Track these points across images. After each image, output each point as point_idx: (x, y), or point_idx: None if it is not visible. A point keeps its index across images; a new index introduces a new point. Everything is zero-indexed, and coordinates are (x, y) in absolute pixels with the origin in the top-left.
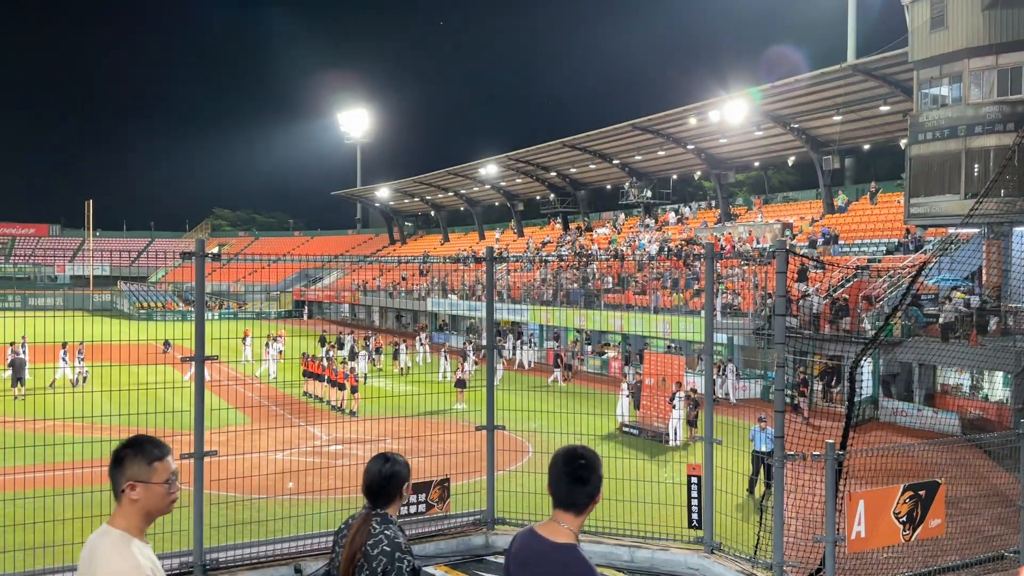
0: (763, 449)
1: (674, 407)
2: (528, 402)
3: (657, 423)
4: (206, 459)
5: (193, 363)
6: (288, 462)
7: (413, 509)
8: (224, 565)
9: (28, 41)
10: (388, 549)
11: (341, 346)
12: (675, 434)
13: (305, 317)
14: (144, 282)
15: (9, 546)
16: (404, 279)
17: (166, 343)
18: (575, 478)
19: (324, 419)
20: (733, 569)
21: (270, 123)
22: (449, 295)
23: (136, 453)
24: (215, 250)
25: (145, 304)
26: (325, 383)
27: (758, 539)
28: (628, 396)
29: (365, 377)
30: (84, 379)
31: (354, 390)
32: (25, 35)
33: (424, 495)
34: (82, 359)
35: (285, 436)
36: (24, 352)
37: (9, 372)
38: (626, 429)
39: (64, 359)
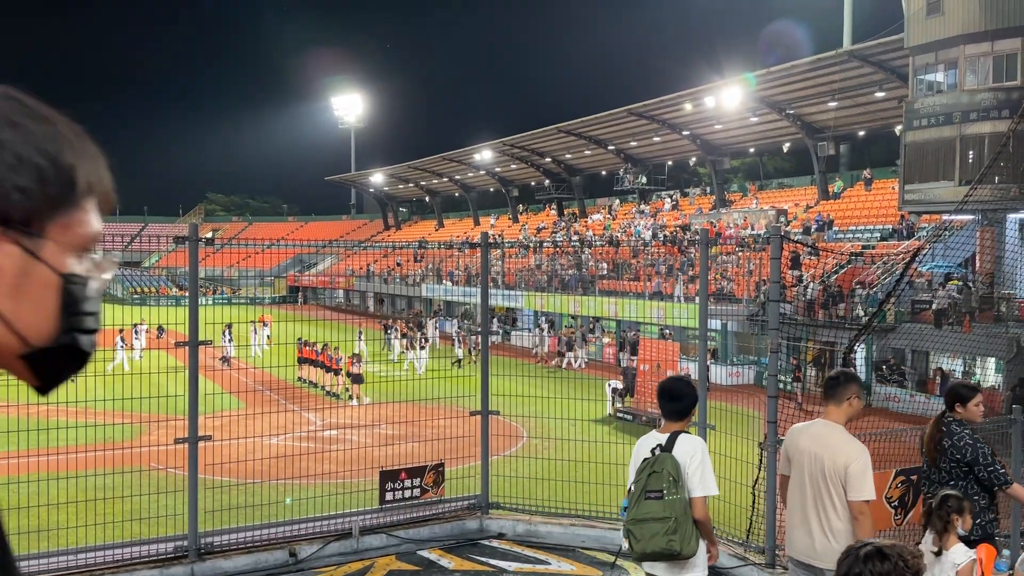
0: None
1: None
2: (523, 387)
3: (651, 408)
4: (200, 444)
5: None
6: (283, 447)
7: (408, 493)
8: (219, 549)
9: (18, 27)
10: (970, 442)
11: (420, 327)
12: None
13: (300, 303)
14: (137, 267)
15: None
16: (399, 265)
17: (160, 328)
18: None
19: (319, 405)
20: (725, 553)
21: (264, 108)
22: (444, 281)
23: (855, 379)
24: (209, 235)
25: (139, 289)
26: (320, 369)
27: (751, 523)
28: (612, 389)
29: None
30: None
31: (359, 379)
32: (16, 21)
33: (419, 480)
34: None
35: (279, 421)
36: None
37: None
38: (620, 414)
39: (121, 343)
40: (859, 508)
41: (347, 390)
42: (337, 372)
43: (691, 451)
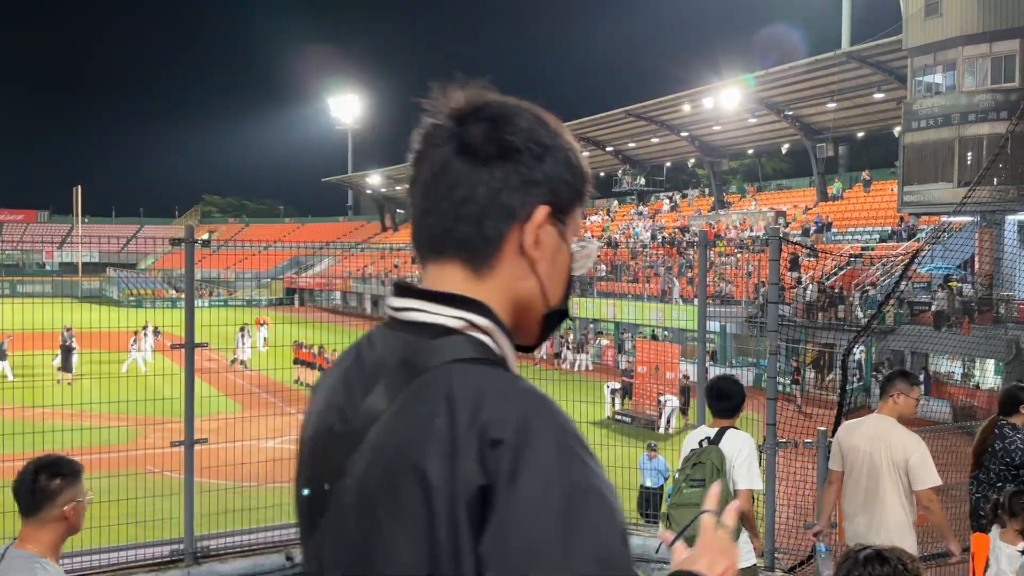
0: (648, 484)
1: (667, 402)
2: None
3: (650, 411)
4: (197, 447)
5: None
6: (280, 450)
7: None
8: (215, 552)
9: (15, 25)
10: (1022, 446)
11: None
12: (668, 423)
13: (296, 305)
14: (133, 269)
15: None
16: (397, 267)
17: (155, 330)
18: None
19: None
20: None
21: (260, 109)
22: None
23: (903, 376)
24: (205, 237)
25: (135, 291)
26: (316, 371)
27: None
28: (611, 391)
29: None
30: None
31: None
32: (12, 19)
33: None
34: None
35: (276, 424)
36: (72, 339)
37: (58, 358)
38: (619, 416)
39: (134, 345)
40: (928, 496)
41: None
42: None
43: (739, 446)
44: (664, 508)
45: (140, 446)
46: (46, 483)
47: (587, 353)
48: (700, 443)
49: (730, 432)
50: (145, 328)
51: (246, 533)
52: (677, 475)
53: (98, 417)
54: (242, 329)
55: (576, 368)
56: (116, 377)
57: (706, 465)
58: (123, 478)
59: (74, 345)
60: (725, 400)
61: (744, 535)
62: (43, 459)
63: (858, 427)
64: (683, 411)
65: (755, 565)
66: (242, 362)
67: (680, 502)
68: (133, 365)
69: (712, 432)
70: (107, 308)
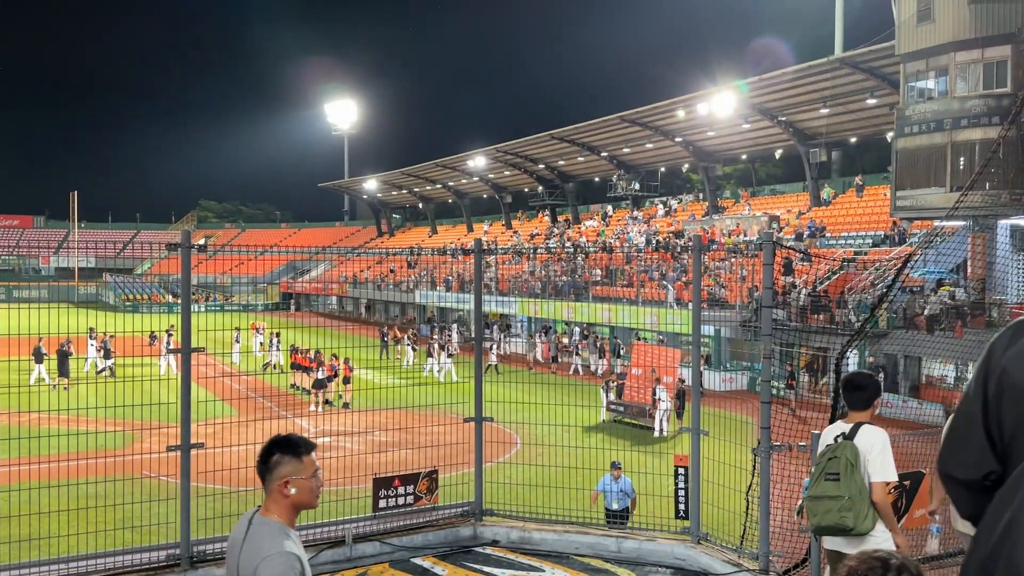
0: (615, 507)
1: (660, 400)
2: (516, 394)
3: (641, 401)
4: (193, 451)
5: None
6: None
7: (401, 500)
8: (211, 557)
9: (11, 30)
10: None
11: (442, 331)
12: (661, 426)
13: (292, 310)
14: (130, 274)
15: None
16: (392, 271)
17: (152, 335)
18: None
19: (311, 411)
20: (719, 559)
21: (257, 114)
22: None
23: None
24: (201, 242)
25: (131, 296)
26: (313, 375)
27: (744, 529)
28: (606, 391)
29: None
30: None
31: (346, 380)
32: (9, 23)
33: (412, 487)
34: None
35: (272, 428)
36: (68, 344)
37: (88, 362)
38: (613, 407)
39: (167, 348)
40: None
41: (340, 396)
42: (331, 379)
43: (872, 441)
44: (802, 499)
45: (136, 451)
46: (268, 457)
47: (603, 358)
48: (836, 439)
49: (864, 427)
50: (170, 330)
51: None
52: (814, 469)
53: (94, 422)
54: (277, 335)
55: (594, 372)
56: (113, 382)
57: (840, 459)
58: (119, 483)
59: (110, 349)
60: (859, 391)
61: (880, 525)
62: (280, 435)
63: None
64: (679, 414)
65: None
66: (274, 365)
67: (816, 495)
68: (169, 369)
69: (847, 428)
70: (104, 313)
